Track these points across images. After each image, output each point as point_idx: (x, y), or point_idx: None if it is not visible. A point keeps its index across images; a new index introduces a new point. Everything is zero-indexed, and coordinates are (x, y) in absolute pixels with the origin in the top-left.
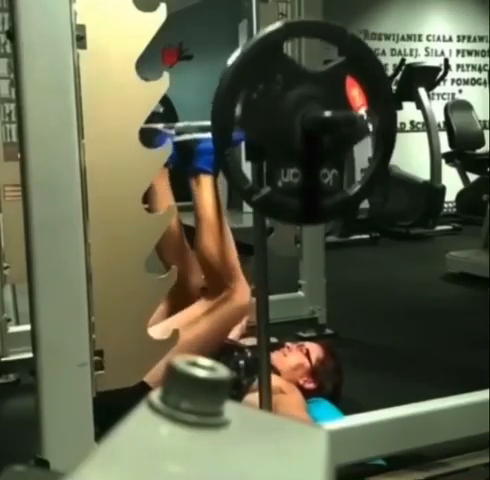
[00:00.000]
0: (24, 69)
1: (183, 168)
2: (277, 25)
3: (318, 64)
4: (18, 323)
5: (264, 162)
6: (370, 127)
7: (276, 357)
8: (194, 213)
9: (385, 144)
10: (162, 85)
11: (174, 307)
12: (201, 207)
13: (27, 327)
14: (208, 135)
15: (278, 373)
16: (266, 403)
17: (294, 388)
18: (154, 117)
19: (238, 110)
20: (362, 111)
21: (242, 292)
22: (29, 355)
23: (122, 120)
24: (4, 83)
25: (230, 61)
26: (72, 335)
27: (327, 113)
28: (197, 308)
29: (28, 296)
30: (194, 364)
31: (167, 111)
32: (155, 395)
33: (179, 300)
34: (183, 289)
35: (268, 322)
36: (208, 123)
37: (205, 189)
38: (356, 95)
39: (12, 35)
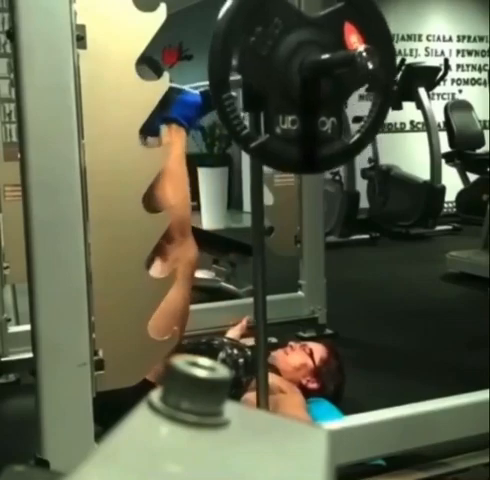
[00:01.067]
0: (24, 69)
1: (158, 115)
2: None
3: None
4: (18, 323)
5: (261, 112)
6: (370, 65)
7: (278, 356)
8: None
9: (384, 92)
10: (162, 85)
11: None
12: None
13: (27, 327)
14: (191, 89)
15: (278, 373)
16: (263, 402)
17: (294, 388)
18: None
19: (235, 55)
20: (361, 49)
21: (190, 248)
22: (29, 355)
23: (122, 120)
24: (4, 83)
25: (227, 4)
26: (72, 335)
27: (325, 55)
28: (155, 270)
29: (28, 296)
30: (194, 364)
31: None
32: (155, 395)
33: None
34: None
35: (266, 322)
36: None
37: (175, 140)
38: (355, 41)
39: (12, 35)
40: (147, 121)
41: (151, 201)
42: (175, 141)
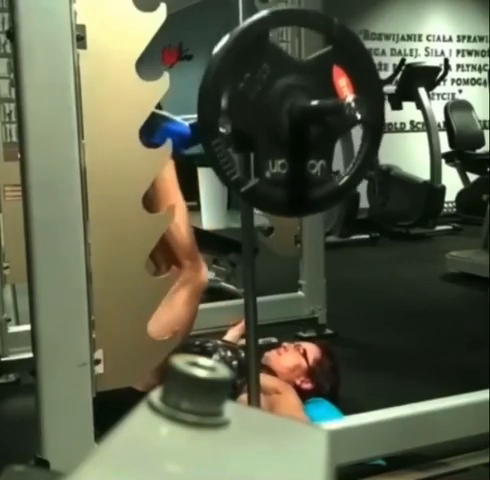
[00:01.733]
0: (24, 69)
1: (143, 139)
2: (263, 13)
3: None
4: (18, 323)
5: (251, 154)
6: (358, 115)
7: (272, 357)
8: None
9: (373, 134)
10: (162, 85)
11: None
12: (159, 183)
13: (27, 327)
14: (181, 120)
15: (274, 374)
16: (254, 404)
17: (289, 388)
18: None
19: (224, 100)
20: (349, 99)
21: (200, 271)
22: (29, 355)
23: (122, 120)
24: (4, 83)
25: (216, 49)
26: (72, 335)
27: (314, 102)
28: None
29: (28, 296)
30: (194, 364)
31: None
32: (155, 395)
33: None
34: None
35: (256, 323)
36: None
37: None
38: (344, 85)
39: (12, 35)
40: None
41: None
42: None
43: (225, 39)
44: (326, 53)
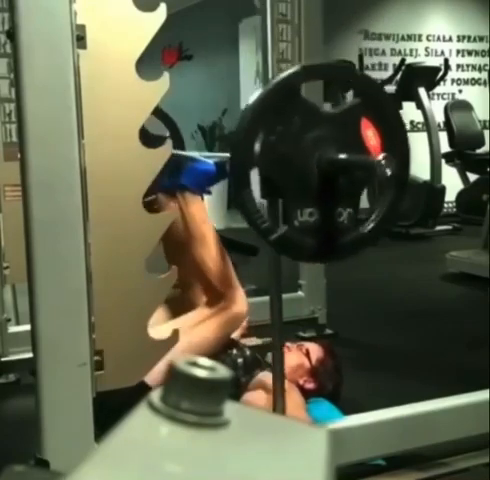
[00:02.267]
0: (24, 69)
1: (171, 182)
2: (294, 69)
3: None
4: (18, 323)
5: (279, 200)
6: (388, 172)
7: None
8: (182, 228)
9: (398, 184)
10: (162, 85)
11: (176, 312)
12: (191, 222)
13: (27, 327)
14: (200, 157)
15: (283, 373)
16: (280, 405)
17: (293, 388)
18: (159, 141)
19: (256, 150)
20: (380, 157)
21: (239, 300)
22: (29, 355)
23: (122, 120)
24: (4, 83)
25: (249, 102)
26: (72, 335)
27: (343, 156)
28: (198, 314)
29: (28, 296)
30: (194, 364)
31: (172, 134)
32: (155, 395)
33: (182, 306)
34: (187, 294)
35: (282, 323)
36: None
37: (193, 204)
38: (371, 136)
39: (12, 35)
40: (158, 178)
41: (191, 266)
42: (195, 207)
43: (258, 92)
44: (355, 106)
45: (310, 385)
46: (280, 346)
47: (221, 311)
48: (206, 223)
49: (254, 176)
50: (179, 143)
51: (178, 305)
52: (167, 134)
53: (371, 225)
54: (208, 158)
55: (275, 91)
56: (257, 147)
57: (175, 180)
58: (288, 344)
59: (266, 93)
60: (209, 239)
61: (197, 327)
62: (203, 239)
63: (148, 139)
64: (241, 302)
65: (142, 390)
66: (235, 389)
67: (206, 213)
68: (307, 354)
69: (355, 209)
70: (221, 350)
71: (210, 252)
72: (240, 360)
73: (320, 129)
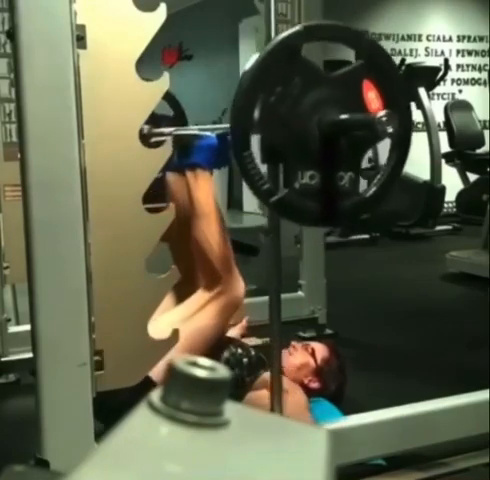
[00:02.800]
0: (24, 69)
1: (181, 162)
2: (295, 28)
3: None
4: (18, 323)
5: (280, 164)
6: (389, 129)
7: (282, 356)
8: (189, 206)
9: (401, 147)
10: (162, 85)
11: (180, 299)
12: (198, 200)
13: (27, 327)
14: (207, 132)
15: (282, 372)
16: (277, 402)
17: (297, 388)
18: (165, 120)
19: (256, 113)
20: (381, 113)
21: (236, 284)
22: (29, 355)
23: (122, 120)
24: (4, 83)
25: (248, 64)
26: (72, 335)
27: (343, 116)
28: (196, 300)
29: (28, 296)
30: (194, 364)
31: (177, 114)
32: (155, 395)
33: (186, 293)
34: (191, 282)
35: (280, 323)
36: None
37: (202, 183)
38: (373, 98)
39: (12, 35)
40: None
41: (192, 244)
42: (202, 185)
43: (258, 54)
44: (357, 67)
45: (315, 384)
46: (279, 347)
47: (219, 295)
48: (213, 200)
49: (257, 142)
50: (183, 123)
51: (181, 288)
52: (171, 114)
53: (373, 189)
54: (207, 131)
55: (275, 51)
56: (257, 109)
57: (185, 159)
58: (294, 343)
59: (266, 53)
60: (214, 217)
61: (197, 315)
62: (209, 216)
63: (153, 118)
64: (239, 286)
65: (147, 386)
66: (240, 389)
67: (213, 190)
68: (312, 353)
69: (357, 173)
70: (224, 348)
71: (213, 231)
72: (245, 360)
73: (321, 91)
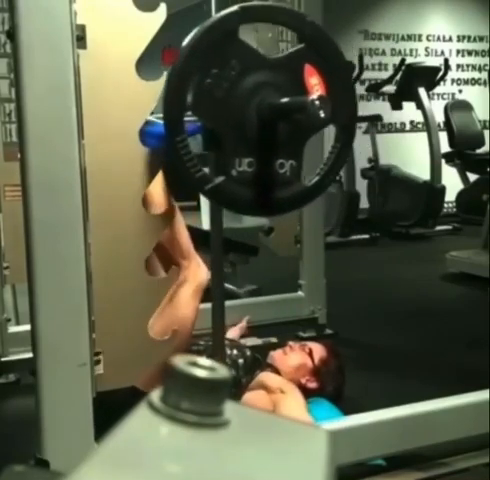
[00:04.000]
0: (24, 69)
1: None
2: (232, 8)
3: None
4: (18, 323)
5: (217, 151)
6: (322, 114)
7: (277, 356)
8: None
9: (344, 135)
10: (162, 85)
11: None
12: (148, 191)
13: (27, 327)
14: (157, 120)
15: (278, 372)
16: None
17: (294, 388)
18: None
19: (190, 96)
20: (314, 96)
21: (198, 270)
22: (29, 355)
23: (122, 120)
24: (4, 83)
25: (184, 43)
26: (72, 335)
27: (279, 100)
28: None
29: (28, 296)
30: (194, 364)
31: None
32: (155, 395)
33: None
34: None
35: (223, 328)
36: None
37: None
38: (315, 83)
39: (12, 35)
40: None
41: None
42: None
43: (193, 33)
44: (297, 51)
45: (312, 384)
46: (221, 350)
47: (184, 283)
48: (162, 190)
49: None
50: None
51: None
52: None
53: (315, 179)
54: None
55: (211, 31)
56: (191, 91)
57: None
58: (291, 343)
59: (201, 33)
60: (164, 207)
61: (169, 304)
62: (160, 207)
63: None
64: (201, 271)
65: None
66: (236, 389)
67: (161, 180)
68: (310, 353)
69: (298, 161)
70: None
71: (168, 221)
72: (241, 360)
73: (260, 74)
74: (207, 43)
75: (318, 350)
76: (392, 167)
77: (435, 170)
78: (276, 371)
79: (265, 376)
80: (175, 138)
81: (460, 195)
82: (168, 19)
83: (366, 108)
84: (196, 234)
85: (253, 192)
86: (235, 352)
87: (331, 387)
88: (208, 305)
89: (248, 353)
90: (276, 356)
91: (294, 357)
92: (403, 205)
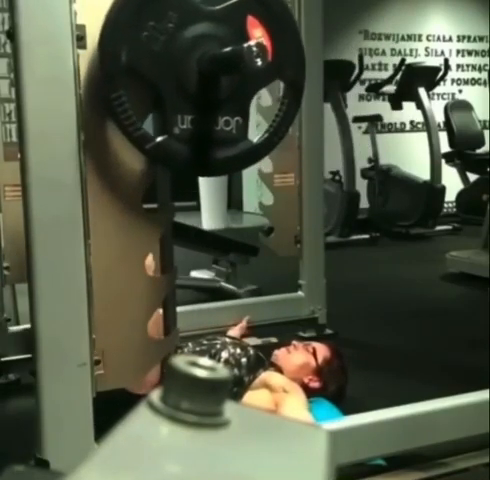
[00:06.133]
0: (24, 69)
1: None
2: None
3: None
4: (18, 323)
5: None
6: (259, 61)
7: (281, 354)
8: None
9: (292, 91)
10: None
11: None
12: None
13: (27, 327)
14: None
15: (281, 372)
16: None
17: (297, 387)
18: None
19: (126, 51)
20: (251, 43)
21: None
22: (29, 355)
23: None
24: (4, 83)
25: None
26: (72, 335)
27: (215, 50)
28: None
29: (28, 296)
30: (194, 364)
31: None
32: (155, 395)
33: None
34: None
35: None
36: None
37: None
38: (260, 36)
39: (12, 35)
40: None
41: None
42: None
43: None
44: (239, 2)
45: (315, 384)
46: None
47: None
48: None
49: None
50: None
51: None
52: None
53: (264, 136)
54: None
55: None
56: (127, 46)
57: None
58: (295, 342)
59: None
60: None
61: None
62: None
63: None
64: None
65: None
66: (238, 388)
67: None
68: (314, 353)
69: (245, 118)
70: (224, 347)
71: None
72: (244, 360)
73: (199, 26)
74: None
75: (322, 350)
76: (392, 167)
77: (435, 170)
78: (279, 370)
79: (268, 375)
80: (111, 95)
81: (460, 195)
82: None
83: (366, 108)
84: (196, 234)
85: (197, 151)
86: (238, 351)
87: (334, 387)
88: (208, 305)
89: (251, 352)
90: (280, 355)
91: (298, 356)
92: (403, 205)
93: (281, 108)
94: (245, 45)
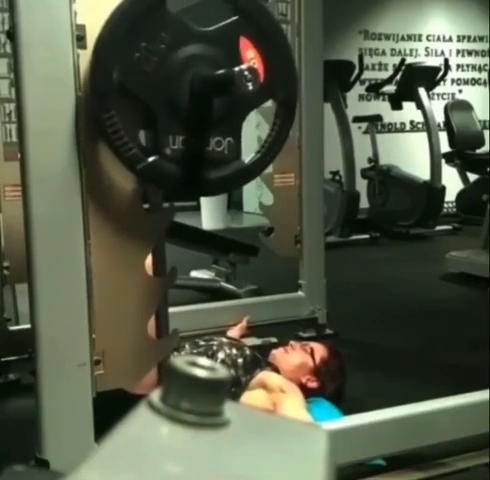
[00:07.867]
0: (24, 69)
1: None
2: None
3: None
4: (18, 323)
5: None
6: (250, 85)
7: (279, 354)
8: None
9: (284, 111)
10: None
11: None
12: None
13: (27, 327)
14: None
15: (278, 372)
16: None
17: (294, 387)
18: None
19: (118, 72)
20: (243, 67)
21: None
22: (29, 355)
23: None
24: (4, 83)
25: (108, 18)
26: (72, 335)
27: (207, 72)
28: None
29: (28, 296)
30: (194, 364)
31: None
32: (155, 395)
33: None
34: None
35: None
36: None
37: None
38: (252, 57)
39: (12, 35)
40: None
41: None
42: None
43: (119, 4)
44: (231, 23)
45: (313, 384)
46: None
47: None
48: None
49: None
50: None
51: None
52: None
53: (256, 157)
54: None
55: (136, 4)
56: (119, 66)
57: None
58: (292, 342)
59: (126, 5)
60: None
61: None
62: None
63: None
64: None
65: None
66: (235, 388)
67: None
68: (311, 353)
69: (236, 139)
70: (220, 347)
71: None
72: (240, 360)
73: (191, 47)
74: (133, 15)
75: (319, 350)
76: (392, 167)
77: (435, 170)
78: (276, 370)
79: (265, 375)
80: (102, 116)
81: (460, 195)
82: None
83: (366, 108)
84: (196, 234)
85: (189, 171)
86: (234, 351)
87: (332, 387)
88: (208, 305)
89: (247, 352)
90: (277, 354)
91: (295, 356)
92: (403, 205)
93: (273, 128)
94: (236, 69)
